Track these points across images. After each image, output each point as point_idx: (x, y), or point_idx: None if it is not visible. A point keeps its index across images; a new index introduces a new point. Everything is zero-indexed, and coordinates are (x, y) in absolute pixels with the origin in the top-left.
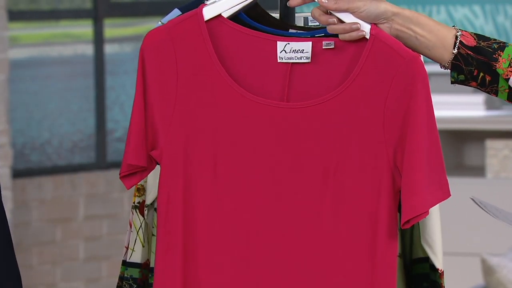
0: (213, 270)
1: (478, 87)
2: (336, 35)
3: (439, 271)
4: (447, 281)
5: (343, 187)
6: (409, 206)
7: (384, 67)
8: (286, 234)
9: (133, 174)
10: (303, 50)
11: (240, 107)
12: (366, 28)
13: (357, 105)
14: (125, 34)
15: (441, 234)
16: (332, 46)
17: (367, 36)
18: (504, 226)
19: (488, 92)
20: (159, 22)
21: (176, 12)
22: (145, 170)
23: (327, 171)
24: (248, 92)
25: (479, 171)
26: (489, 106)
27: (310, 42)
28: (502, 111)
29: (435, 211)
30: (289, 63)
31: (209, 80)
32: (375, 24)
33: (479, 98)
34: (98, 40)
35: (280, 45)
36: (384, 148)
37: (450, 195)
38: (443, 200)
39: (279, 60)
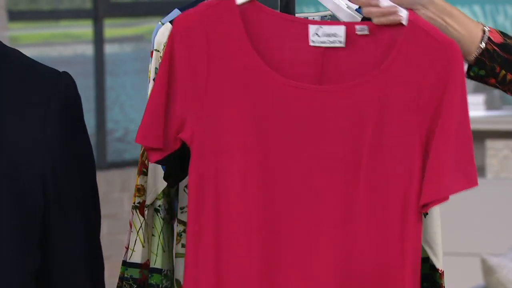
0: (245, 255)
1: (496, 84)
2: (368, 20)
3: (439, 271)
4: (447, 281)
5: (377, 170)
6: (431, 188)
7: (421, 52)
8: (319, 217)
9: (156, 150)
10: (336, 34)
11: (272, 90)
12: (403, 13)
13: (393, 89)
14: (125, 34)
15: (441, 234)
16: (366, 32)
17: (404, 22)
18: (504, 226)
19: (505, 91)
20: (159, 23)
21: (176, 12)
22: (162, 151)
23: (360, 155)
24: (280, 76)
25: (479, 171)
26: (489, 106)
27: (344, 26)
28: (502, 111)
29: (435, 212)
30: (322, 47)
31: (241, 64)
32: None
33: (479, 98)
34: (98, 40)
35: (312, 28)
36: (417, 133)
37: (477, 184)
38: (468, 188)
39: (311, 44)
